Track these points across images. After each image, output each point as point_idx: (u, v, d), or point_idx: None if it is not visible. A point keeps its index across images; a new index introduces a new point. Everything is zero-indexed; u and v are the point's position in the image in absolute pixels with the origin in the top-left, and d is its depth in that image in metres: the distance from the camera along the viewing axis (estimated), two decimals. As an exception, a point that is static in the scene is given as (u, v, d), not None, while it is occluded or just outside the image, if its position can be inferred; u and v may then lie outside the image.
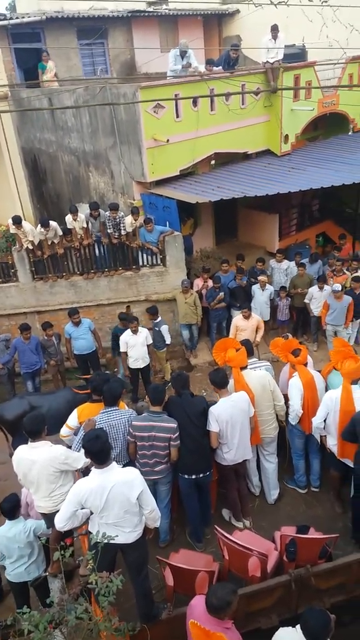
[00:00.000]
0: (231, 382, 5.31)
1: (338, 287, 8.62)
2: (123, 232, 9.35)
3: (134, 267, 9.61)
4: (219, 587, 3.15)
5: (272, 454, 5.62)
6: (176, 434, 4.74)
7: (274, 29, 10.52)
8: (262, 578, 4.22)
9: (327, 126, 12.71)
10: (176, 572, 4.22)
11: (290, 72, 10.59)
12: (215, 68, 10.44)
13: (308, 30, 11.89)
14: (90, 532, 3.66)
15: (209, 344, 9.72)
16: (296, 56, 11.58)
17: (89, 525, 3.79)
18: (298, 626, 2.99)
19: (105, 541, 3.20)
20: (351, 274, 9.42)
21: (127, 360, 8.36)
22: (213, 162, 10.43)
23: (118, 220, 9.25)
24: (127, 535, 3.62)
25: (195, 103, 9.57)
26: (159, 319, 8.61)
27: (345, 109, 12.02)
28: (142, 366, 8.36)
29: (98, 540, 3.20)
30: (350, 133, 12.59)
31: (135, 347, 8.20)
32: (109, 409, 4.73)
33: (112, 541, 3.29)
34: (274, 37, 10.53)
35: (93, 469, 3.63)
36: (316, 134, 12.77)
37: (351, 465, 5.03)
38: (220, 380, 5.07)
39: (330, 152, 11.51)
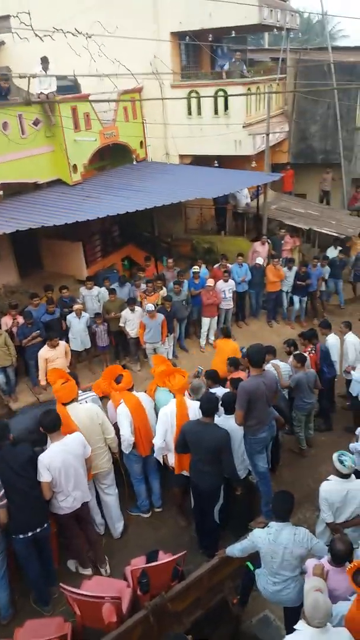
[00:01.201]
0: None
1: (151, 307, 8.91)
2: None
3: None
4: None
5: (111, 485, 5.44)
6: (0, 493, 4.22)
7: (44, 61, 10.54)
8: (119, 622, 3.97)
9: (113, 156, 13.20)
10: (24, 652, 3.71)
11: (67, 104, 10.70)
12: (-12, 99, 9.98)
13: (78, 64, 12.22)
14: None
15: (29, 384, 9.08)
16: (69, 88, 11.77)
17: None
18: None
19: None
20: (158, 293, 9.86)
21: None
22: (1, 192, 9.90)
23: None
24: None
25: (-31, 134, 8.98)
26: None
27: (125, 140, 12.65)
28: None
29: None
30: (134, 163, 13.31)
31: None
32: None
33: None
34: (45, 68, 10.55)
35: None
36: (104, 163, 13.16)
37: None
38: (50, 423, 4.63)
39: (120, 181, 11.95)
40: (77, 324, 9.11)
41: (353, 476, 4.44)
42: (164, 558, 4.41)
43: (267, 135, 12.47)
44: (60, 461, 4.54)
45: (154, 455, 5.46)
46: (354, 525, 4.45)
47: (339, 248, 12.22)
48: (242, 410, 4.83)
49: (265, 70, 14.60)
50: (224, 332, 8.46)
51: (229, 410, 5.22)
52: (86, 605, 4.07)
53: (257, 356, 4.98)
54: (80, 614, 4.14)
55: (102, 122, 11.62)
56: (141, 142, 13.38)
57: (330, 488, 4.38)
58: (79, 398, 5.52)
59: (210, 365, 7.47)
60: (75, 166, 11.10)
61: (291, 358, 7.12)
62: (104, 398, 5.95)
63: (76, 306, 9.15)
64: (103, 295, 9.90)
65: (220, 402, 5.27)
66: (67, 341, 8.88)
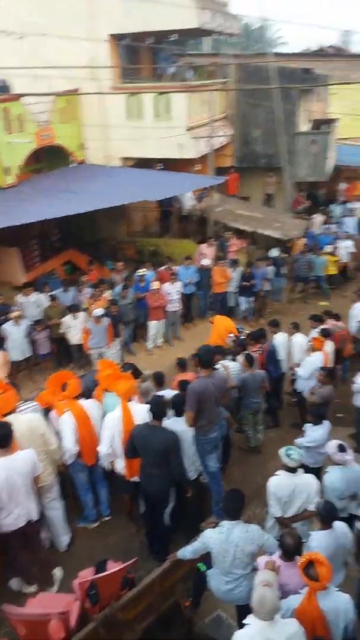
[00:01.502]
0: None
1: (99, 311, 8.73)
2: None
3: None
4: None
5: (55, 499, 5.17)
6: None
7: (-27, 61, 10.13)
8: (67, 637, 3.78)
9: (50, 158, 12.85)
10: None
11: (-2, 105, 10.28)
12: None
13: (9, 64, 11.81)
14: None
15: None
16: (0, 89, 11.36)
17: None
18: None
19: None
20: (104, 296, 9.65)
21: None
22: None
23: None
24: None
25: None
26: None
27: (62, 141, 12.36)
28: None
29: None
30: (72, 165, 13.04)
31: None
32: None
33: None
34: (-27, 68, 10.12)
35: None
36: (40, 166, 12.79)
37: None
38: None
39: (57, 183, 11.61)
40: (16, 332, 8.75)
41: (301, 470, 4.48)
42: (113, 567, 4.24)
43: (210, 138, 12.57)
44: (3, 478, 4.30)
45: (100, 462, 5.28)
46: (302, 519, 4.49)
47: (280, 248, 12.58)
48: (192, 411, 4.79)
49: (208, 74, 14.76)
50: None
51: (178, 412, 5.15)
52: (31, 624, 3.84)
53: (206, 356, 4.96)
54: (26, 634, 3.91)
55: (37, 123, 11.29)
56: (80, 144, 13.11)
57: (278, 482, 4.40)
58: (20, 409, 5.26)
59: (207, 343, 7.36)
60: (8, 169, 10.71)
61: (241, 358, 7.16)
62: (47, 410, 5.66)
63: (14, 314, 8.79)
64: (42, 301, 9.58)
65: (171, 405, 5.19)
66: (4, 350, 8.49)
